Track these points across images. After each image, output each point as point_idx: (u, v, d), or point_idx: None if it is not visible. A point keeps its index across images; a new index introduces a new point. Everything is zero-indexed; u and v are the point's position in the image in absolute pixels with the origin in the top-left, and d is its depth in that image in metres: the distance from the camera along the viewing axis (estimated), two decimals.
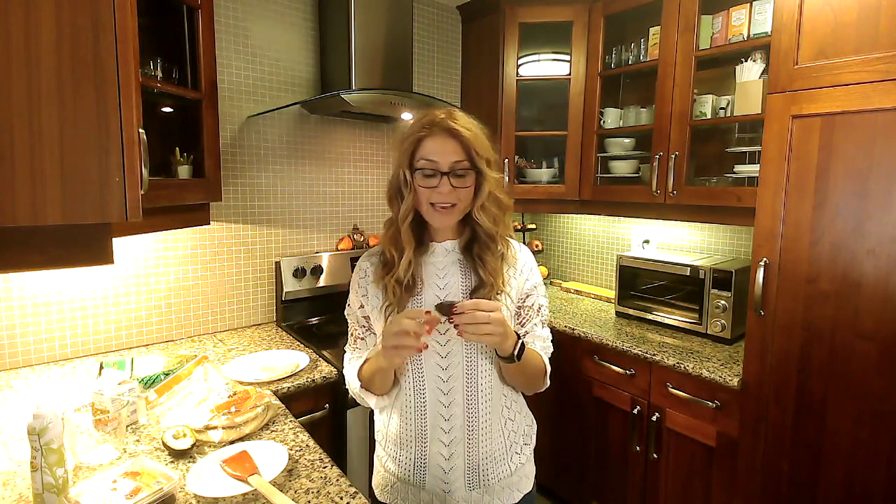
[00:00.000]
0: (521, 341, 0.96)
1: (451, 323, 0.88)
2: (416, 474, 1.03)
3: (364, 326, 1.10)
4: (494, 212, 1.00)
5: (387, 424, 1.09)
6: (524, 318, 1.08)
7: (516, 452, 1.08)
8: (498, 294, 1.00)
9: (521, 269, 1.07)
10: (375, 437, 1.14)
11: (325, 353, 1.78)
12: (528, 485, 1.11)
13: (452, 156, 0.95)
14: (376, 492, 1.12)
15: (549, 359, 1.09)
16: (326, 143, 2.24)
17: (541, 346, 1.08)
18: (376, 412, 1.13)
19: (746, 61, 1.85)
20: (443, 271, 1.03)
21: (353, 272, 1.11)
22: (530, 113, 2.63)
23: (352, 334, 1.12)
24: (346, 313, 1.13)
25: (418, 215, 1.01)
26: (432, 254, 1.04)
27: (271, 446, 1.10)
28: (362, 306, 1.08)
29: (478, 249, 1.01)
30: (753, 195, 1.58)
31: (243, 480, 0.96)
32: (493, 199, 0.99)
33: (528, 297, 1.08)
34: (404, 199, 0.98)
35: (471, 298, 0.98)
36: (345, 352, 1.15)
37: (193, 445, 1.12)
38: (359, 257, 1.12)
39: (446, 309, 0.88)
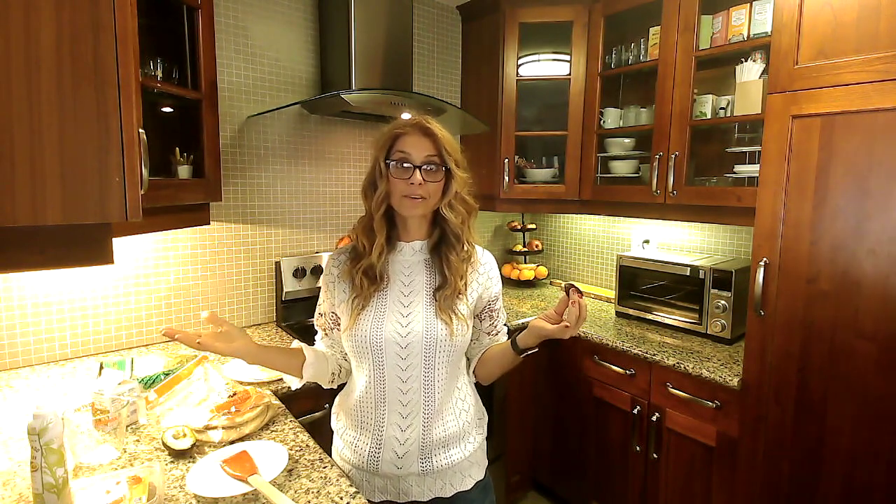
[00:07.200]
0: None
1: (571, 304, 1.05)
2: (370, 458, 1.08)
3: (332, 327, 1.16)
4: (462, 211, 1.06)
5: (346, 408, 1.15)
6: (496, 320, 1.18)
7: (469, 441, 1.14)
8: (459, 295, 1.06)
9: (487, 273, 1.15)
10: (333, 427, 1.20)
11: None
12: (479, 473, 1.17)
13: (425, 151, 1.02)
14: None
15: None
16: (326, 143, 2.24)
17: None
18: (336, 401, 1.22)
19: (746, 61, 1.84)
20: (408, 269, 1.09)
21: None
22: (530, 113, 2.62)
23: (321, 327, 1.20)
24: (315, 324, 1.20)
25: (389, 214, 1.06)
26: (400, 252, 1.10)
27: (271, 446, 1.10)
28: (332, 305, 1.14)
29: (445, 249, 1.07)
30: (753, 195, 1.58)
31: (243, 480, 0.96)
32: (459, 199, 1.06)
33: (496, 300, 1.17)
34: (378, 189, 1.04)
35: (433, 297, 1.06)
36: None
37: (193, 445, 1.12)
38: None
39: (570, 290, 1.06)
